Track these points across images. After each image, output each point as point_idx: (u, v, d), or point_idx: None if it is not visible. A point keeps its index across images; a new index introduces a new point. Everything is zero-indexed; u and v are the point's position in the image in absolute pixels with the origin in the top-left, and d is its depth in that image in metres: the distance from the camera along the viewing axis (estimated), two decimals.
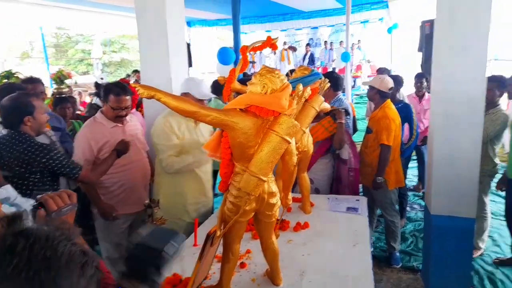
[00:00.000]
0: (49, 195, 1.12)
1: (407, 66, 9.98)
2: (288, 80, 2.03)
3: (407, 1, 11.15)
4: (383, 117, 3.19)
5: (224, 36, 13.88)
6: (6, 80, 3.95)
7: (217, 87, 3.83)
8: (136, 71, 6.44)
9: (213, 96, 3.01)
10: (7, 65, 13.90)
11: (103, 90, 2.80)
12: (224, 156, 1.56)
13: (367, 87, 3.56)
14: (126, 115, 2.75)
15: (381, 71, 5.66)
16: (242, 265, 1.87)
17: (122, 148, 2.55)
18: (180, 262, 1.76)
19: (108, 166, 2.50)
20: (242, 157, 1.51)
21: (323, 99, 2.43)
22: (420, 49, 7.26)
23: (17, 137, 2.18)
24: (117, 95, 2.68)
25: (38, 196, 1.13)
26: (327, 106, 2.59)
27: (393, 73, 5.78)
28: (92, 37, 19.98)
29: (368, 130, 3.38)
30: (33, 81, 3.33)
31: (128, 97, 2.73)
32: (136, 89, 1.44)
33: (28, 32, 15.06)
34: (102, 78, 6.61)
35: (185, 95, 2.55)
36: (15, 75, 3.99)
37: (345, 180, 3.16)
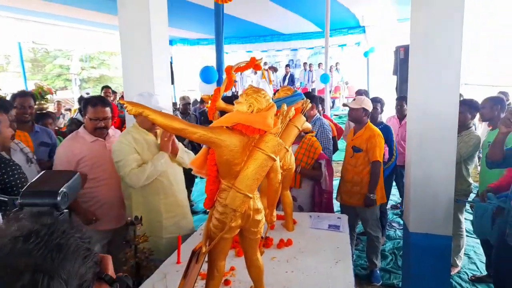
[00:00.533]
0: None
1: (383, 88, 10.34)
2: (271, 100, 2.09)
3: (383, 27, 11.62)
4: (373, 136, 3.32)
5: (205, 55, 14.00)
6: None
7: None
8: (106, 87, 6.43)
9: (164, 109, 2.78)
10: None
11: (83, 103, 2.81)
12: (210, 173, 1.58)
13: (347, 108, 3.67)
14: (105, 127, 2.73)
15: (360, 93, 5.84)
16: (226, 282, 1.86)
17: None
18: (163, 280, 1.74)
19: None
20: (228, 174, 1.54)
21: (305, 118, 2.49)
22: (395, 73, 7.55)
23: None
24: (94, 105, 2.69)
25: None
26: (308, 125, 2.65)
27: (370, 95, 5.98)
28: (70, 53, 19.74)
29: (357, 149, 3.44)
30: (23, 95, 3.28)
31: (106, 108, 2.73)
32: (124, 106, 1.46)
33: (4, 45, 14.75)
34: (87, 93, 6.58)
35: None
36: None
37: (318, 201, 3.20)
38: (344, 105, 3.79)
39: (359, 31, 12.11)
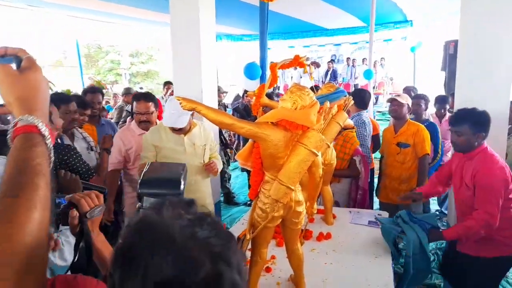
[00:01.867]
0: (79, 195, 1.08)
1: (430, 85, 9.96)
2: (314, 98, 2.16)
3: (431, 21, 11.17)
4: (419, 130, 3.30)
5: (248, 51, 14.17)
6: None
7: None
8: (167, 83, 6.70)
9: (173, 123, 2.59)
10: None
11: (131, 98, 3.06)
12: (255, 165, 1.69)
13: (388, 104, 3.63)
14: (147, 121, 2.93)
15: (408, 89, 5.69)
16: (268, 269, 1.97)
17: (108, 145, 2.79)
18: None
19: (104, 166, 2.74)
20: (272, 166, 1.63)
21: (346, 115, 2.53)
22: (443, 69, 7.28)
23: None
24: (138, 100, 2.92)
25: (68, 196, 1.08)
26: (350, 122, 2.69)
27: (418, 92, 5.82)
28: (121, 48, 20.75)
29: (404, 145, 3.40)
30: (93, 91, 3.61)
31: (149, 103, 2.92)
32: (179, 101, 1.59)
33: (62, 41, 15.81)
34: (141, 88, 6.96)
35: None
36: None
37: (354, 197, 3.22)
38: (390, 100, 3.72)
39: (406, 25, 11.71)
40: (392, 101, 3.56)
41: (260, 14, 4.87)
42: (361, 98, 3.65)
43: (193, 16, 3.23)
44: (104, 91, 4.61)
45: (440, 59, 7.51)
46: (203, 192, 2.81)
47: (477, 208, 2.20)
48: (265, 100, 2.13)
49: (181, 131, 2.67)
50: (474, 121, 2.28)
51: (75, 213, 1.04)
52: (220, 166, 2.87)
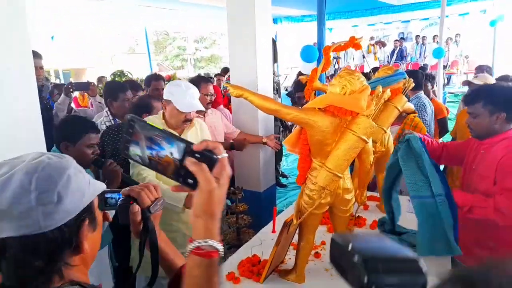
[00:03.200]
0: (138, 187, 0.95)
1: None
2: (370, 80, 2.08)
3: None
4: None
5: (309, 32, 13.90)
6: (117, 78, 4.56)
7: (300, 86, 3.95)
8: (225, 70, 6.87)
9: (200, 108, 2.21)
10: (115, 59, 15.69)
11: None
12: (302, 152, 1.68)
13: (466, 86, 3.35)
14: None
15: (481, 69, 5.19)
16: (317, 255, 1.97)
17: None
18: (260, 246, 1.93)
19: None
20: (319, 153, 1.62)
21: (406, 99, 2.39)
22: None
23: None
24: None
25: (125, 190, 0.94)
26: (410, 106, 2.54)
27: (494, 72, 5.27)
28: (186, 34, 21.49)
29: None
30: (157, 79, 3.77)
31: (209, 86, 3.05)
32: (227, 88, 1.64)
33: (133, 30, 16.78)
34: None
35: (167, 102, 2.15)
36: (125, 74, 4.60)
37: None
38: (466, 82, 3.39)
39: None
40: (469, 84, 3.26)
41: None
42: (414, 79, 3.40)
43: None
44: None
45: None
46: None
47: (499, 192, 1.79)
48: (318, 84, 2.09)
49: (179, 129, 2.24)
50: (489, 98, 1.89)
51: (137, 208, 0.92)
52: None
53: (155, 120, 2.20)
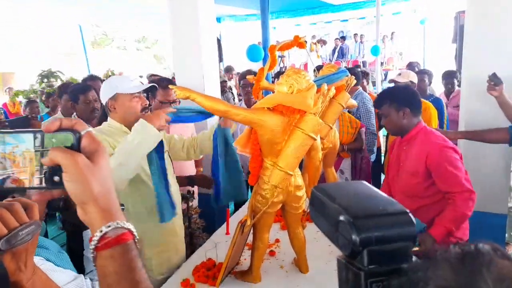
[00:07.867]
0: None
1: (441, 58, 9.70)
2: (315, 78, 2.12)
3: None
4: (426, 108, 3.18)
5: (253, 32, 14.01)
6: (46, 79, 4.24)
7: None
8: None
9: (144, 85, 1.95)
10: (50, 61, 14.68)
11: None
12: (254, 152, 1.68)
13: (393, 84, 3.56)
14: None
15: (412, 66, 5.57)
16: (271, 253, 1.99)
17: None
18: (214, 249, 1.90)
19: None
20: (270, 152, 1.62)
21: (349, 96, 2.49)
22: (454, 41, 7.08)
23: None
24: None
25: None
26: (353, 102, 2.64)
27: (425, 67, 5.68)
28: (126, 35, 20.69)
29: None
30: (93, 79, 3.60)
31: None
32: (173, 90, 1.58)
33: (67, 29, 15.84)
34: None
35: (113, 99, 1.86)
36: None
37: (358, 168, 3.23)
38: (391, 81, 3.68)
39: None
40: (394, 82, 3.49)
41: None
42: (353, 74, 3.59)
43: None
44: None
45: (451, 31, 7.30)
46: None
47: (449, 191, 1.98)
48: (265, 83, 2.09)
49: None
50: (393, 98, 2.12)
51: None
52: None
53: (110, 129, 1.86)
